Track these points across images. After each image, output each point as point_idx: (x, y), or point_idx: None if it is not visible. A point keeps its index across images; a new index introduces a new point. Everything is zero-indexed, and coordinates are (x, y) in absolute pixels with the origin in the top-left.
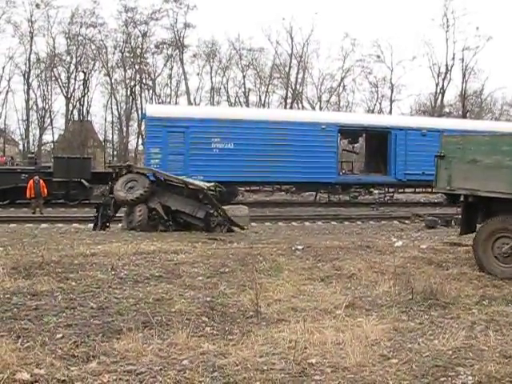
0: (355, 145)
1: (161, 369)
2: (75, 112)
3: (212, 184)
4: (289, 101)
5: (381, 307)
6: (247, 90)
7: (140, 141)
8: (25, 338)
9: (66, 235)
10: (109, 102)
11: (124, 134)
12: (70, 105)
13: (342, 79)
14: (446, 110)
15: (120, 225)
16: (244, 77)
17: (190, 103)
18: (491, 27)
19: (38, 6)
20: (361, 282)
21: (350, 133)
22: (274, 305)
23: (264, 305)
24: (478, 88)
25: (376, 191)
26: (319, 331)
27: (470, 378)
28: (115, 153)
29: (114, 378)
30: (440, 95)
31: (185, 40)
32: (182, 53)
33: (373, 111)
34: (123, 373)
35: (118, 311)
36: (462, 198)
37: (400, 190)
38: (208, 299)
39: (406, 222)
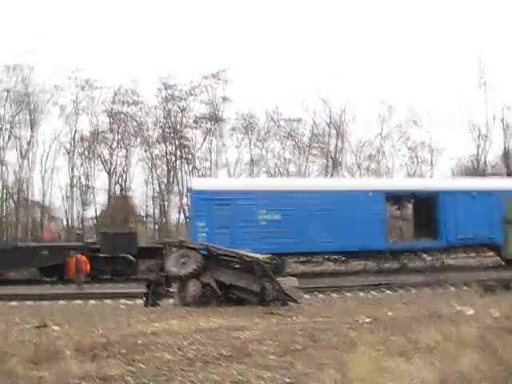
0: (403, 210)
1: None
2: (117, 187)
3: (268, 256)
4: (328, 170)
5: None
6: (287, 161)
7: (182, 215)
8: None
9: (118, 312)
10: (149, 177)
11: (165, 209)
12: (112, 180)
13: (381, 146)
14: (489, 171)
15: (171, 301)
16: (283, 148)
17: (229, 176)
18: None
19: (83, 88)
20: (442, 356)
21: (397, 198)
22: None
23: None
24: None
25: (428, 257)
26: None
27: None
28: (156, 227)
29: None
30: (482, 156)
31: (223, 114)
32: (221, 126)
33: (412, 175)
34: None
35: None
36: None
37: (452, 256)
38: (288, 380)
39: (464, 288)
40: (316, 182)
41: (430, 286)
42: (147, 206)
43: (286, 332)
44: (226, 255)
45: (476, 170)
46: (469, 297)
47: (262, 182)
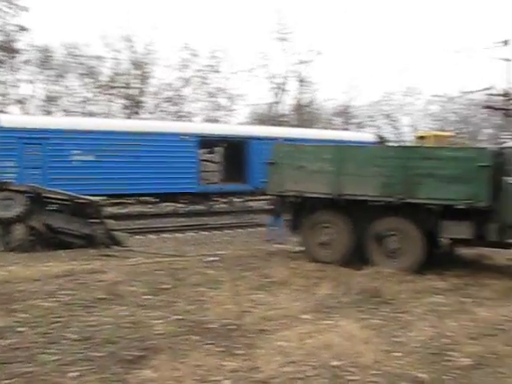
0: (214, 154)
1: None
2: None
3: (101, 198)
4: (129, 110)
5: (336, 308)
6: (87, 100)
7: None
8: (37, 382)
9: None
10: None
11: None
12: None
13: (181, 89)
14: (284, 119)
15: None
16: (83, 85)
17: (23, 113)
18: (323, 42)
19: None
20: (297, 287)
21: (209, 143)
22: (242, 317)
23: (233, 318)
24: (310, 98)
25: (237, 200)
26: (310, 336)
27: (467, 359)
28: None
29: None
30: (277, 105)
31: (16, 44)
32: (14, 58)
33: (211, 121)
34: None
35: (106, 340)
36: (291, 199)
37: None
38: (177, 317)
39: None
40: (130, 123)
41: (243, 226)
42: None
43: (145, 273)
44: (55, 198)
45: (271, 117)
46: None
47: (76, 121)
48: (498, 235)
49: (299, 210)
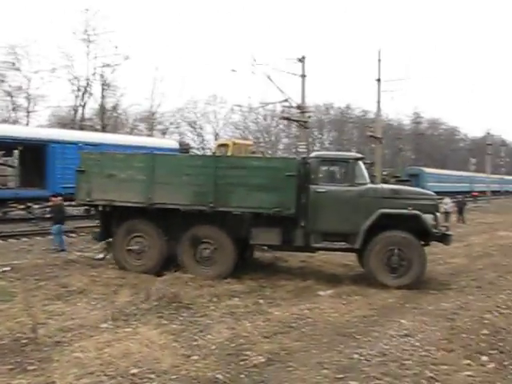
0: (10, 158)
1: None
2: None
3: None
4: None
5: (136, 316)
6: None
7: None
8: None
9: None
10: None
11: None
12: None
13: None
14: (87, 123)
15: None
16: None
17: None
18: (129, 47)
19: None
20: (96, 296)
21: (5, 145)
22: (37, 330)
23: (26, 331)
24: (114, 103)
25: (36, 206)
26: (108, 345)
27: (260, 356)
28: None
29: None
30: (80, 108)
31: None
32: None
33: (8, 122)
34: None
35: None
36: (100, 208)
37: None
38: None
39: (73, 235)
40: None
41: (42, 234)
42: None
43: None
44: None
45: (73, 120)
46: (81, 244)
47: None
48: (304, 240)
49: (108, 219)
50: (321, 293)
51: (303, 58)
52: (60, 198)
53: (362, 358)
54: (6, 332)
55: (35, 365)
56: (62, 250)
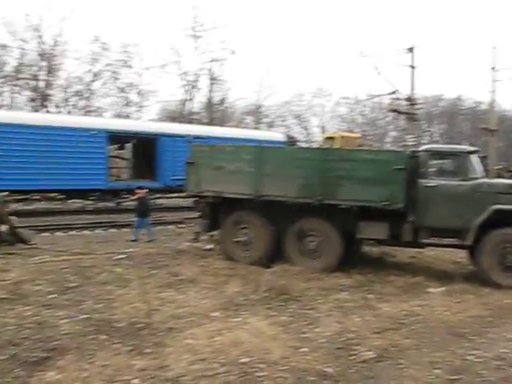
0: (124, 151)
1: None
2: None
3: (5, 193)
4: (36, 103)
5: (245, 306)
6: None
7: None
8: None
9: None
10: None
11: None
12: None
13: (91, 83)
14: (195, 117)
15: None
16: None
17: None
18: (236, 42)
19: None
20: (206, 285)
21: (119, 139)
22: (151, 316)
23: (141, 316)
24: (222, 97)
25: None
26: (219, 334)
27: (370, 352)
28: None
29: None
30: (189, 102)
31: None
32: None
33: (121, 116)
34: None
35: (8, 342)
36: (209, 200)
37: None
38: (85, 317)
39: (182, 225)
40: (36, 116)
41: (153, 224)
42: None
43: (52, 271)
44: None
45: (182, 114)
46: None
47: None
48: (413, 236)
49: (217, 210)
50: (431, 290)
51: (412, 48)
52: (145, 190)
53: (477, 360)
54: (123, 316)
55: (151, 348)
56: (134, 241)
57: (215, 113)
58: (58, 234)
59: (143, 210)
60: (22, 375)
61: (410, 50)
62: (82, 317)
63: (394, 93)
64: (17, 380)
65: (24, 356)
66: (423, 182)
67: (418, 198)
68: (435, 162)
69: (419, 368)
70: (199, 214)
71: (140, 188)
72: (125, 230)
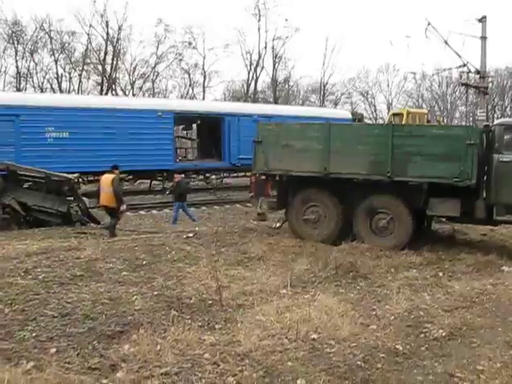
0: (190, 131)
1: (190, 366)
2: None
3: (76, 175)
4: (103, 87)
5: (314, 283)
6: (59, 76)
7: None
8: (16, 358)
9: None
10: None
11: None
12: None
13: (156, 65)
14: (260, 96)
15: None
16: (56, 61)
17: None
18: (299, 19)
19: None
20: (274, 263)
21: (185, 120)
22: (221, 292)
23: (211, 293)
24: (286, 75)
25: (213, 176)
26: (288, 310)
27: (441, 330)
28: None
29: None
30: (253, 82)
31: None
32: None
33: (186, 97)
34: (159, 376)
35: (85, 316)
36: (277, 178)
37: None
38: (156, 293)
39: (248, 205)
40: (105, 99)
41: (219, 203)
42: None
43: (123, 250)
44: (30, 175)
45: (246, 94)
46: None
47: (49, 98)
48: (486, 213)
49: (285, 189)
50: (505, 268)
51: (484, 18)
52: (182, 175)
53: None
54: (194, 292)
55: (221, 324)
56: (173, 223)
57: (280, 92)
58: (128, 213)
59: (178, 193)
60: (99, 348)
61: (481, 20)
62: (153, 293)
63: (463, 66)
64: (95, 351)
65: (100, 330)
66: (497, 156)
67: (491, 174)
68: (510, 136)
69: (493, 347)
70: (252, 193)
71: (178, 173)
72: (192, 209)
